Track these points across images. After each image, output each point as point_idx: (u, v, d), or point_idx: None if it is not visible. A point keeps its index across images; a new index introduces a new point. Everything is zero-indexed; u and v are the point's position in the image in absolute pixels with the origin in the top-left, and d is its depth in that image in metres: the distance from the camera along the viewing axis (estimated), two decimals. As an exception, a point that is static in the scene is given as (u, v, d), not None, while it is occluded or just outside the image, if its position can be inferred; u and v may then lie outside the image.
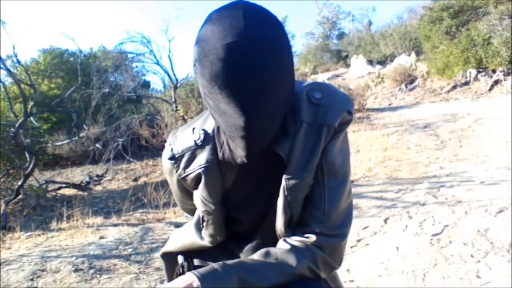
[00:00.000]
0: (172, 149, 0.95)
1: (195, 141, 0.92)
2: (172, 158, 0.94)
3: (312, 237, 0.86)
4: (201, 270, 0.80)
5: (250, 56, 0.70)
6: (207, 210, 0.93)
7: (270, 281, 0.82)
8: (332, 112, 0.85)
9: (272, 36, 0.74)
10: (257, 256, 0.86)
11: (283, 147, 0.84)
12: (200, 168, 0.90)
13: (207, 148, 0.90)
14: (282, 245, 0.87)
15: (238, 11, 0.73)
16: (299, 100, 0.86)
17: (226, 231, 0.99)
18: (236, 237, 1.01)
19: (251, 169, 0.88)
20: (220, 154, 0.88)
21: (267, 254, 0.85)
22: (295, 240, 0.87)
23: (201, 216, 0.97)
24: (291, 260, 0.84)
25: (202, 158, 0.90)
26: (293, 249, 0.85)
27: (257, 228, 0.97)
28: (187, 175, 0.93)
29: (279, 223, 0.89)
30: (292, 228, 0.89)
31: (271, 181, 0.90)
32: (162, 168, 1.04)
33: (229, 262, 0.83)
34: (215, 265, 0.82)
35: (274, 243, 0.96)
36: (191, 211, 1.09)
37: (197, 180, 0.92)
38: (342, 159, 0.88)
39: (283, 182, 0.86)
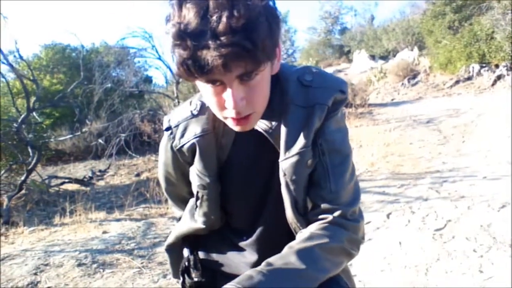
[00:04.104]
0: (169, 121, 0.95)
1: (191, 111, 0.92)
2: (168, 128, 0.95)
3: (328, 217, 0.83)
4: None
5: None
6: (202, 184, 0.92)
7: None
8: (324, 92, 0.85)
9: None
10: (279, 259, 0.76)
11: (263, 126, 0.86)
12: (195, 137, 0.90)
13: (203, 118, 0.90)
14: (300, 236, 0.83)
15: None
16: (288, 83, 0.86)
17: (222, 215, 0.98)
18: (238, 231, 1.01)
19: (247, 145, 0.89)
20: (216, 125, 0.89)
21: (288, 254, 0.77)
22: (312, 227, 0.83)
23: (196, 193, 0.96)
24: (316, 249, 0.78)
25: (197, 127, 0.90)
26: (311, 237, 0.80)
27: (257, 220, 0.96)
28: (183, 146, 0.92)
29: (287, 210, 0.87)
30: (304, 216, 0.88)
31: (266, 164, 0.90)
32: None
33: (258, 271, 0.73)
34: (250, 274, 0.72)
35: (277, 235, 0.96)
36: (178, 198, 1.10)
37: (192, 152, 0.92)
38: (341, 137, 0.88)
39: (280, 164, 0.85)
